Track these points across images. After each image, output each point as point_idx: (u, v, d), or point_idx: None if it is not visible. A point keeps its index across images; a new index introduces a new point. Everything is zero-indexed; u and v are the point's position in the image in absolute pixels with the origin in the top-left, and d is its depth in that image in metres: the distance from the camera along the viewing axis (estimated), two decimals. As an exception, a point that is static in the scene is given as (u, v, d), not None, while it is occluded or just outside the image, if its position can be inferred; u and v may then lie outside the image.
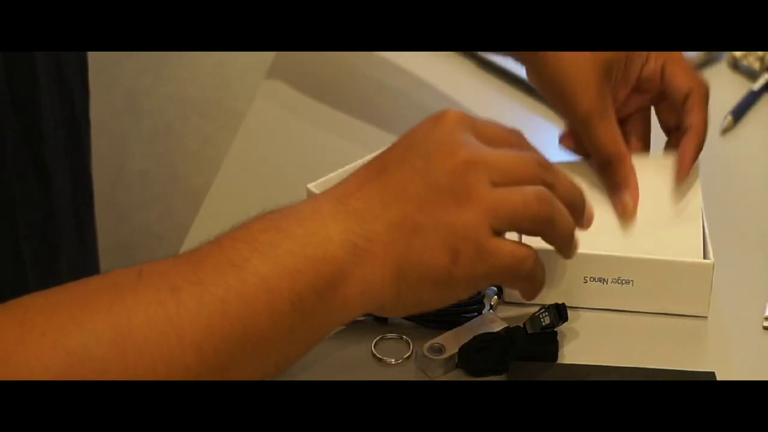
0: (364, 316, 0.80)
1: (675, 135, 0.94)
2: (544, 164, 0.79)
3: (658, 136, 0.96)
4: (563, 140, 0.94)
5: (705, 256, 0.90)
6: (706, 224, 0.91)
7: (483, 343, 0.84)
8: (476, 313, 0.85)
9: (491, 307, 0.86)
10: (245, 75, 1.80)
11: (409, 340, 0.86)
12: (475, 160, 0.76)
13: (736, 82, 1.17)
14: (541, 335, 0.84)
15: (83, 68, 0.98)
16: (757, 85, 1.15)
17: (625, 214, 0.91)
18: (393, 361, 0.85)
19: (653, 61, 0.92)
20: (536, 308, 0.85)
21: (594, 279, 0.89)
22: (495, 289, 0.90)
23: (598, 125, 0.90)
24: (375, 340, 0.86)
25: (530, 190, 0.77)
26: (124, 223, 1.88)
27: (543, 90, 0.93)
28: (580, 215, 0.81)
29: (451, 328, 0.85)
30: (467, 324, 0.86)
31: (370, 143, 1.02)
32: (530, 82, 0.95)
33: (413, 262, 0.76)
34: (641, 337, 0.89)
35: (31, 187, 0.91)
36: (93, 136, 1.05)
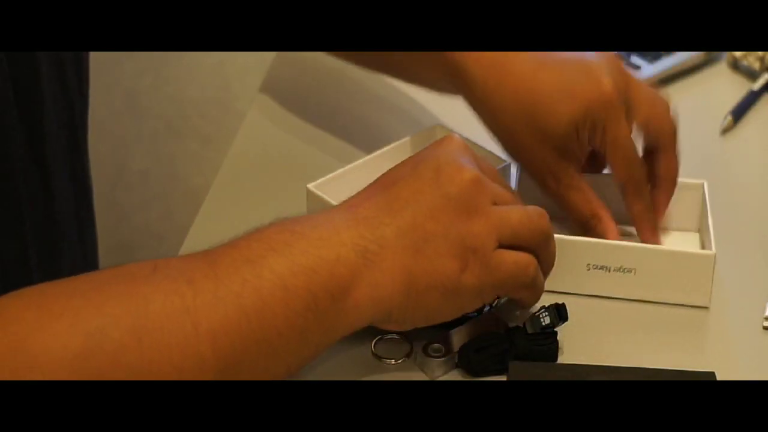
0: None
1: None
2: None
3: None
4: None
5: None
6: (710, 221, 0.92)
7: (483, 343, 0.84)
8: (476, 313, 0.85)
9: (491, 307, 0.86)
10: (245, 75, 1.80)
11: (409, 340, 0.86)
12: (479, 179, 0.81)
13: (736, 82, 1.17)
14: (541, 335, 0.85)
15: (83, 68, 0.98)
16: (757, 85, 1.15)
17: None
18: (393, 361, 0.85)
19: (599, 136, 0.92)
20: (536, 308, 0.86)
21: (597, 267, 0.90)
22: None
23: (567, 197, 0.93)
24: (375, 340, 0.86)
25: (530, 208, 0.82)
26: (124, 223, 1.88)
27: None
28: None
29: (450, 328, 0.85)
30: (467, 324, 0.86)
31: (370, 143, 1.02)
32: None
33: (423, 269, 0.78)
34: (641, 338, 0.89)
35: (34, 189, 0.91)
36: (93, 136, 1.05)
